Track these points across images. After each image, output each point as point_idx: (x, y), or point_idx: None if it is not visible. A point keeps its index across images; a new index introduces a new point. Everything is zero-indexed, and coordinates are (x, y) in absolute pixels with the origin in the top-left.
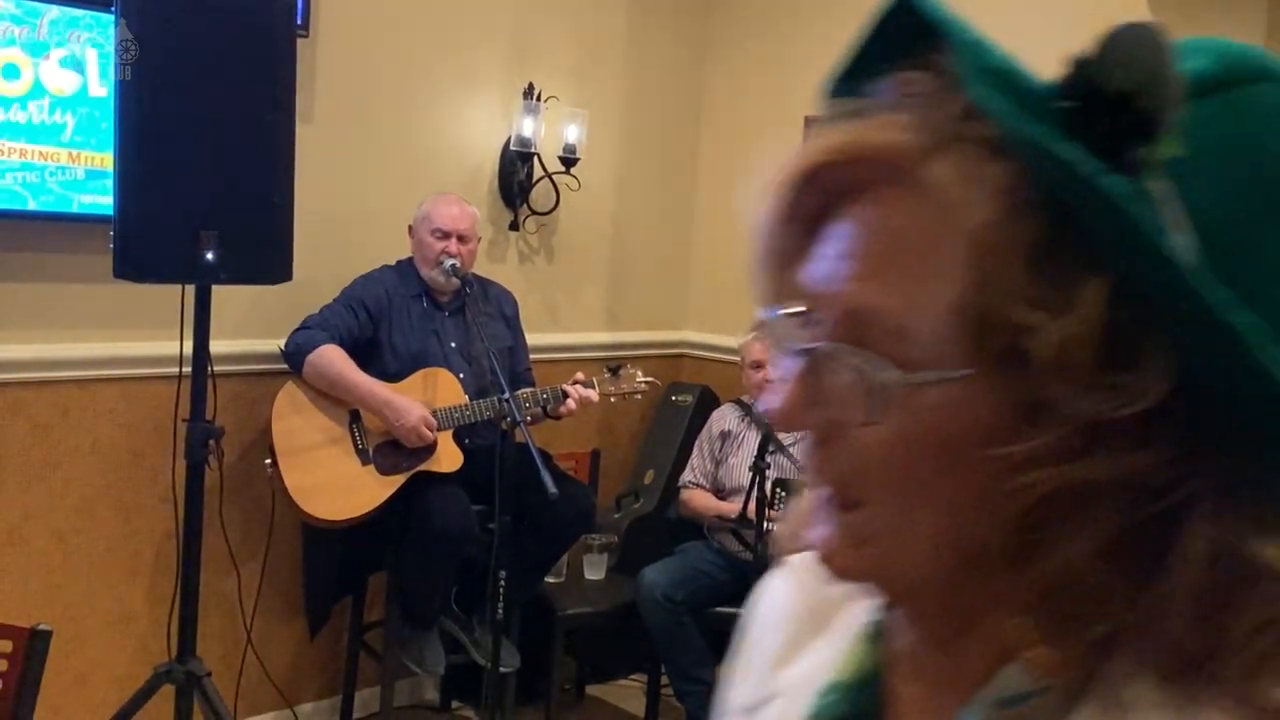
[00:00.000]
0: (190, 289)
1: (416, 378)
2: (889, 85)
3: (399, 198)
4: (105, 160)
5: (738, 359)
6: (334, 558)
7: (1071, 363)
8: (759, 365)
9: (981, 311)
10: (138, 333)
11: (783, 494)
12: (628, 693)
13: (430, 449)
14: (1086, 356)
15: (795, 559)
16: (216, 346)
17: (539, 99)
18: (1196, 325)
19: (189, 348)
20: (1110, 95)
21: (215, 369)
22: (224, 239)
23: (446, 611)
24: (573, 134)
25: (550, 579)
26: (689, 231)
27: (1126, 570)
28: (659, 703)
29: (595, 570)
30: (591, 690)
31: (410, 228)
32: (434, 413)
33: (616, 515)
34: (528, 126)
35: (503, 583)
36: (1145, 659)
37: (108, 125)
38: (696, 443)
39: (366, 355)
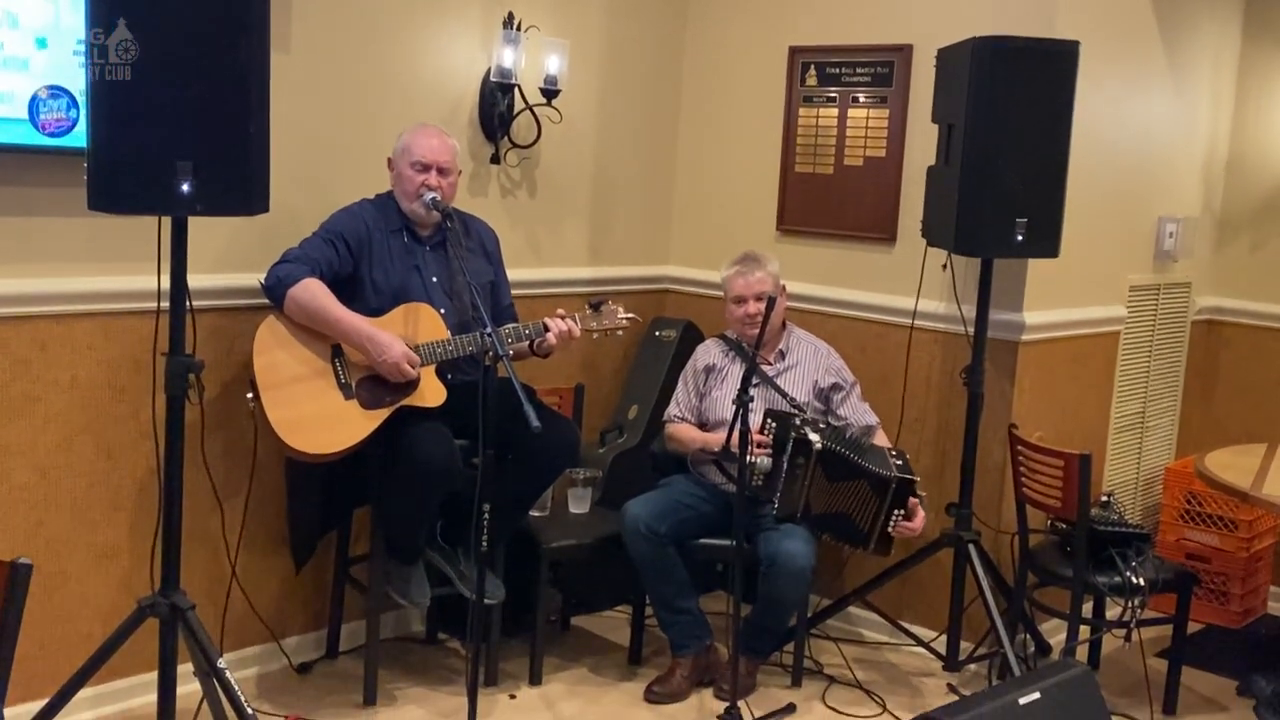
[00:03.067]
0: (167, 221)
1: (398, 313)
2: None
3: (378, 129)
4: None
5: (721, 293)
6: (318, 492)
7: None
8: (741, 300)
9: None
10: (115, 266)
11: (772, 425)
12: (612, 624)
13: (413, 384)
14: None
15: None
16: (195, 280)
17: (519, 29)
18: None
19: (166, 281)
20: None
21: (194, 303)
22: (200, 170)
23: (432, 545)
24: (554, 65)
25: (535, 513)
26: (672, 165)
27: None
28: (643, 633)
29: (580, 504)
30: (576, 621)
31: (389, 160)
32: (416, 348)
33: (600, 450)
34: (508, 57)
35: (487, 516)
36: None
37: (81, 56)
38: (680, 377)
39: (347, 291)
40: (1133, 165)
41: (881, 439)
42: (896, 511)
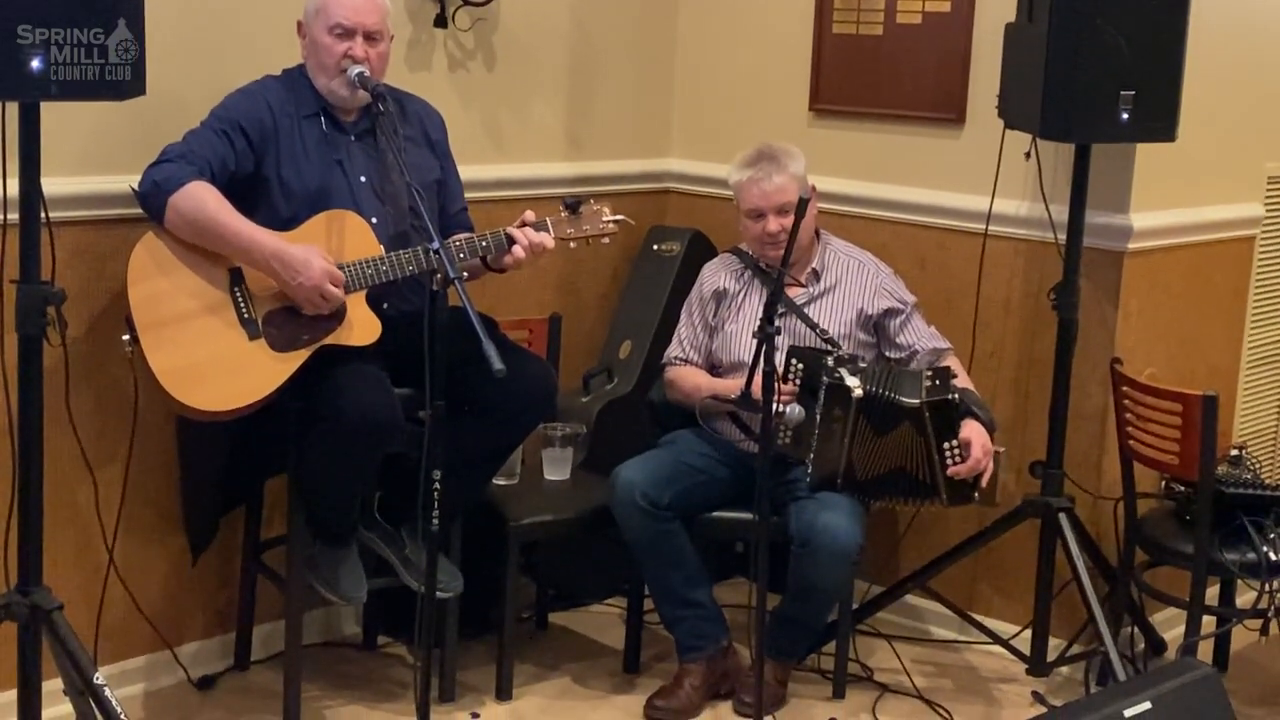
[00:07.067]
0: (12, 109)
1: (316, 223)
2: None
3: None
4: None
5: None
6: (219, 458)
7: None
8: (758, 214)
9: None
10: None
11: (798, 367)
12: (602, 621)
13: (338, 316)
14: None
15: None
16: (51, 186)
17: None
18: None
19: (14, 187)
20: None
21: (51, 215)
22: (55, 43)
23: (368, 524)
24: None
25: (500, 480)
26: (673, 26)
27: None
28: (641, 633)
29: (557, 468)
30: (555, 619)
31: (300, 24)
32: (341, 269)
33: (584, 399)
34: None
35: (438, 486)
36: None
37: None
38: (685, 306)
39: (249, 196)
40: (1276, 22)
41: (955, 367)
42: (947, 445)
